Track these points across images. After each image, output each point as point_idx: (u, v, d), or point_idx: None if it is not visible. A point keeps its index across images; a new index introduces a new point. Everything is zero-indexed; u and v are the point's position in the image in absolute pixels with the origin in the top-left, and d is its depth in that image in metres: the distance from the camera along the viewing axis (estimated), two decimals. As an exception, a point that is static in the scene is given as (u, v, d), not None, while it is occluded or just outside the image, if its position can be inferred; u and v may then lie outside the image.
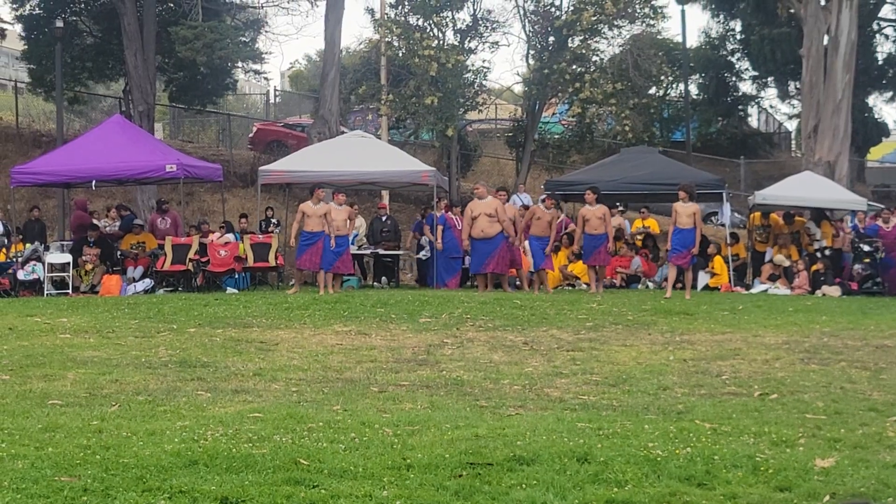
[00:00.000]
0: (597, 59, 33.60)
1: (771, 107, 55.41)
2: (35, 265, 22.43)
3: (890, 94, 48.18)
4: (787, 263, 23.42)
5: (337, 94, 31.05)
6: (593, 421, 8.67)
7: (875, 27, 45.45)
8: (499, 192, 22.73)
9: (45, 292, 21.79)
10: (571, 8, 32.56)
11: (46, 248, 23.38)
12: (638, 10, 33.48)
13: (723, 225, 28.17)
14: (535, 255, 21.19)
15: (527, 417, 8.98)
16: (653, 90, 38.00)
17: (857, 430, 8.48)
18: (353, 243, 23.17)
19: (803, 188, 24.85)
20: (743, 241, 25.91)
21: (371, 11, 34.71)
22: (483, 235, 21.15)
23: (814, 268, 22.87)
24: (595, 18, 31.85)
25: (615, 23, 33.30)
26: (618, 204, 26.03)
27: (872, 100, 48.21)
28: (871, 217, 25.01)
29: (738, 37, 46.28)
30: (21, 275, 22.36)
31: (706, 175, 27.09)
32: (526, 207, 23.99)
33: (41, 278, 22.19)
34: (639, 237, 25.79)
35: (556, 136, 37.72)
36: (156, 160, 23.19)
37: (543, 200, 22.04)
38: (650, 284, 23.74)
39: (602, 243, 21.26)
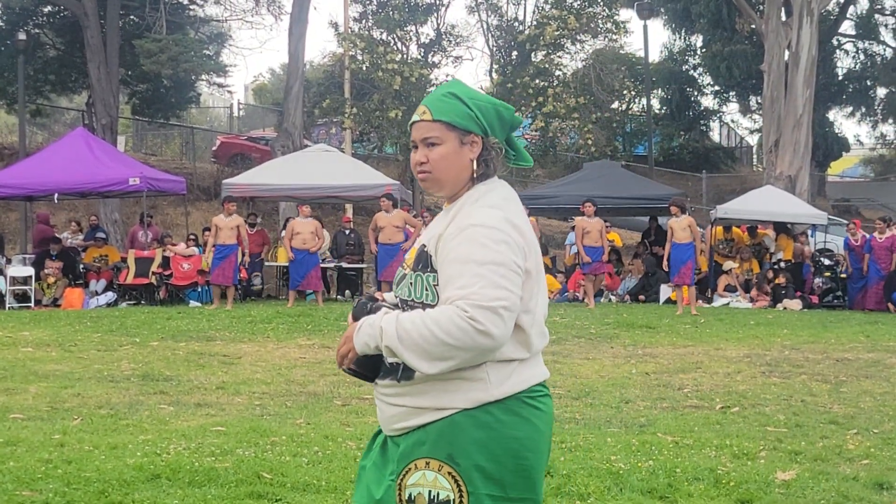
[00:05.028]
0: (560, 73, 33.80)
1: (732, 121, 55.85)
2: (-4, 278, 22.32)
3: (850, 109, 48.71)
4: (735, 266, 23.59)
5: (301, 107, 31.04)
6: (556, 434, 8.69)
7: (835, 43, 45.93)
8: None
9: (7, 305, 21.63)
10: (534, 23, 32.74)
11: (8, 262, 23.25)
12: (601, 26, 33.70)
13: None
14: None
15: (490, 431, 8.96)
16: (615, 104, 38.16)
17: (818, 442, 8.55)
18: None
19: (764, 202, 25.03)
20: (704, 255, 26.03)
21: (335, 25, 34.80)
22: (389, 242, 21.22)
23: (776, 281, 23.02)
24: (558, 33, 32.03)
25: (578, 38, 33.53)
26: (570, 218, 26.18)
27: (833, 115, 48.82)
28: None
29: (700, 52, 46.61)
30: (-18, 288, 22.22)
31: (668, 189, 27.26)
32: None
33: (3, 291, 22.04)
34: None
35: (520, 150, 37.80)
36: (119, 173, 23.08)
37: None
38: (613, 298, 23.83)
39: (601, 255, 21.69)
